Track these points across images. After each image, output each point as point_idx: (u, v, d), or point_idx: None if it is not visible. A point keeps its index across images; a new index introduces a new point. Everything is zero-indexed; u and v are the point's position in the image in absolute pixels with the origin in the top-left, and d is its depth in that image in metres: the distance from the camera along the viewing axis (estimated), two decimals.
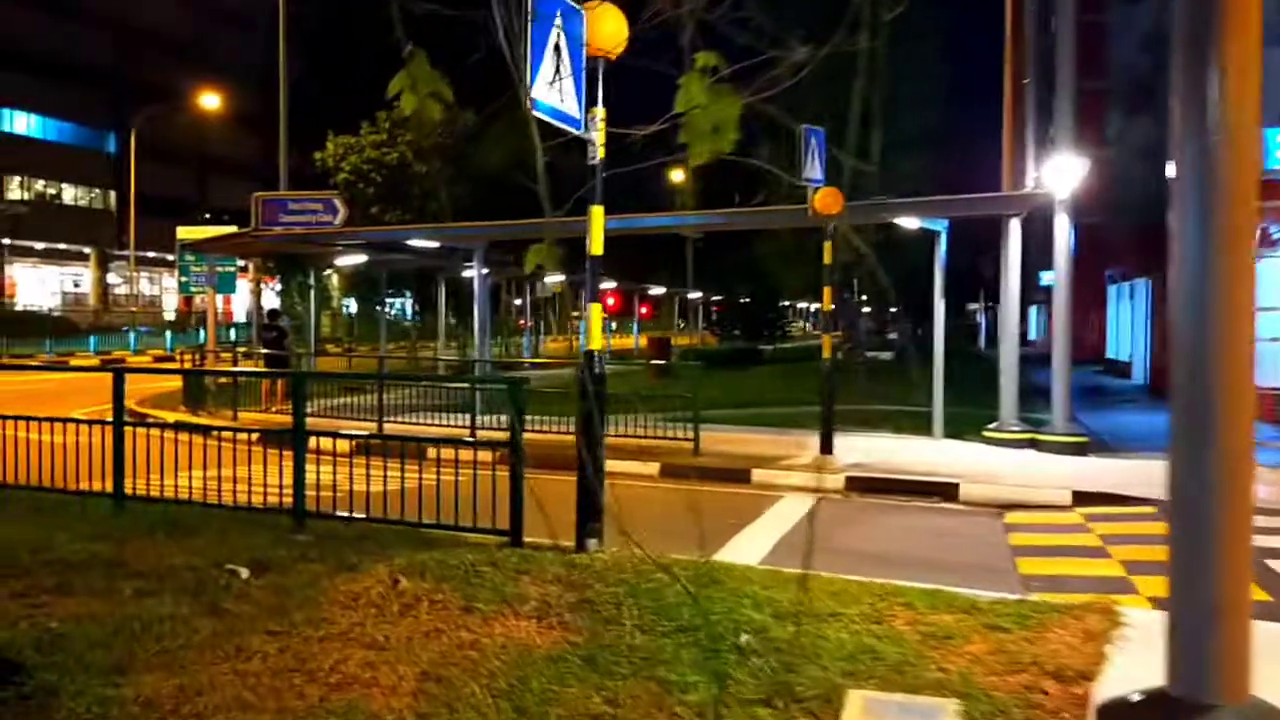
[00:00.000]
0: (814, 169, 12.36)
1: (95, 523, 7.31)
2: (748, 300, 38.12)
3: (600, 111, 6.34)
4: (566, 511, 6.64)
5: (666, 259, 50.33)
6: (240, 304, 59.13)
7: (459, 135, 28.29)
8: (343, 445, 8.54)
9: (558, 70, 5.81)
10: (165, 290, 68.62)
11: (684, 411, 13.94)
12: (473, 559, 5.99)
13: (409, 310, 45.95)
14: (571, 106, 6.05)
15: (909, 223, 14.29)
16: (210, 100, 50.06)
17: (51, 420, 8.60)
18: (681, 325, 59.63)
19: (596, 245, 6.68)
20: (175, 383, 19.35)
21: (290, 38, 23.86)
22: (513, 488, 6.58)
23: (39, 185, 60.66)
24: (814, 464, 12.22)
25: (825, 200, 11.92)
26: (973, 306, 72.27)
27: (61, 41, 57.34)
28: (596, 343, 6.67)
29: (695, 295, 50.47)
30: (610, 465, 12.05)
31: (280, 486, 8.46)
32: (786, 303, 44.73)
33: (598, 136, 6.35)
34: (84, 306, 61.32)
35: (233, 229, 50.84)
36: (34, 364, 27.00)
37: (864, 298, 38.83)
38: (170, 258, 62.64)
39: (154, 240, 55.57)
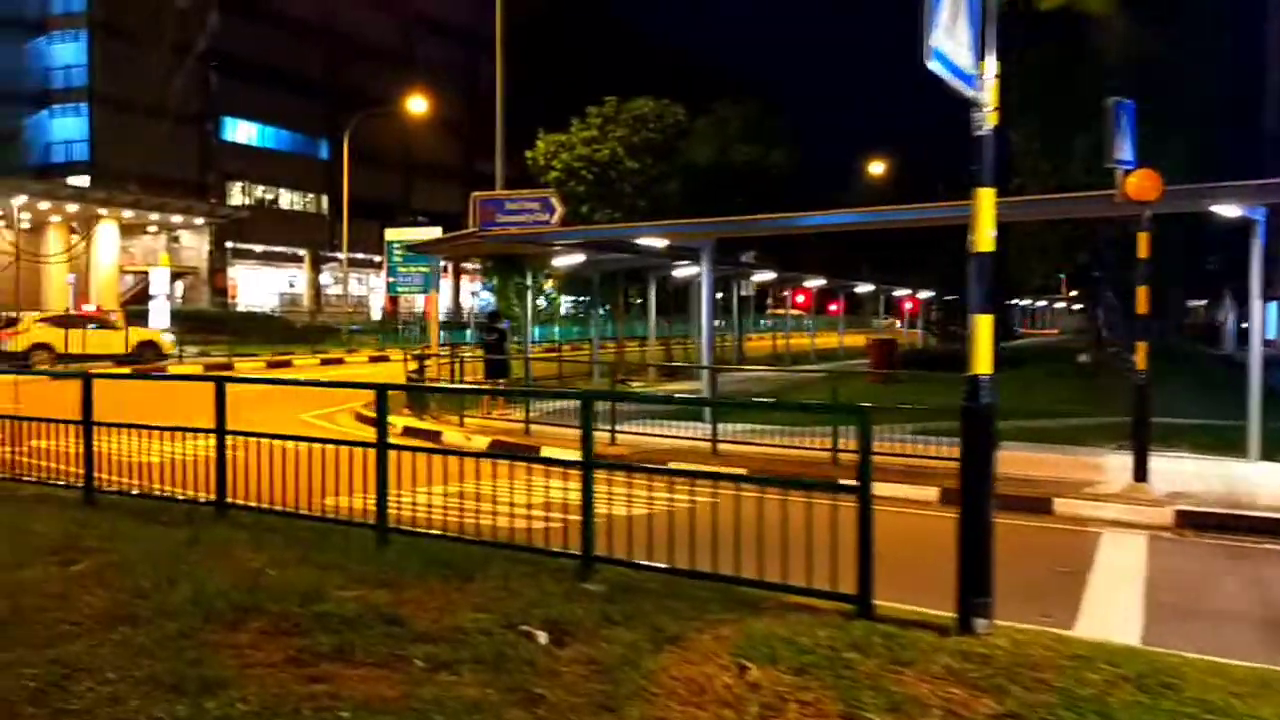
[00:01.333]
0: (1124, 149, 10.61)
1: (361, 561, 6.51)
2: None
3: (992, 65, 4.95)
4: (901, 556, 5.31)
5: (871, 253, 48.17)
6: (442, 304, 60.39)
7: (670, 131, 27.41)
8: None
9: (955, 11, 4.50)
10: (371, 290, 71.14)
11: (935, 423, 12.38)
12: (828, 638, 4.78)
13: (602, 309, 45.66)
14: (965, 59, 4.71)
15: (1228, 210, 12.26)
16: (417, 105, 51.25)
17: (297, 439, 7.92)
18: (887, 323, 57.10)
19: (985, 239, 5.30)
20: (388, 380, 19.07)
21: (513, 37, 23.52)
22: (861, 539, 5.32)
23: (259, 191, 63.81)
24: (1127, 493, 10.47)
25: (1141, 185, 10.18)
26: (1195, 304, 66.48)
27: (280, 54, 60.07)
28: (984, 365, 5.31)
29: (902, 292, 48.05)
30: (877, 489, 10.77)
31: (528, 506, 7.53)
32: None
33: (988, 97, 4.98)
34: (299, 307, 64.14)
35: (437, 230, 51.92)
36: (288, 378, 27.77)
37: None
38: (377, 259, 65.27)
39: (362, 242, 57.41)
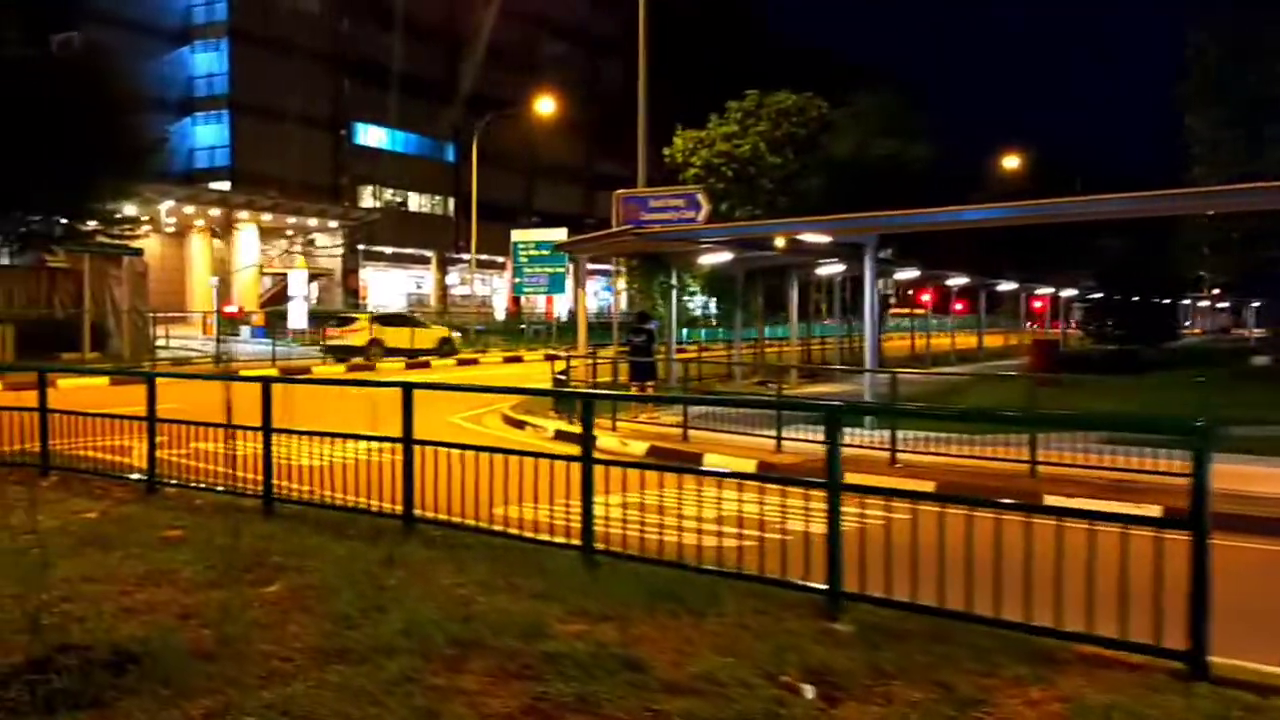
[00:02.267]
0: None
1: (573, 587, 5.91)
2: (1132, 296, 33.68)
3: None
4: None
5: (1011, 251, 46.25)
6: (562, 304, 60.56)
7: (812, 125, 26.46)
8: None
9: None
10: (494, 291, 71.81)
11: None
12: (1181, 711, 3.95)
13: (712, 307, 44.70)
14: None
15: None
16: (543, 107, 51.33)
17: (490, 450, 7.40)
18: (1032, 324, 54.77)
19: None
20: (529, 382, 18.74)
21: (630, 38, 22.99)
22: (1194, 585, 4.46)
23: (388, 194, 64.96)
24: None
25: None
26: None
27: (408, 59, 61.00)
28: None
29: (1045, 290, 45.96)
30: (1079, 502, 9.77)
31: (718, 521, 6.85)
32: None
33: None
34: (426, 307, 65.08)
35: (562, 232, 51.95)
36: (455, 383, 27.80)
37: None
38: (500, 259, 65.88)
39: (485, 243, 57.80)
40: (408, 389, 7.64)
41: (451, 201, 68.44)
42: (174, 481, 9.40)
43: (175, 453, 11.29)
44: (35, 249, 33.00)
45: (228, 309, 45.49)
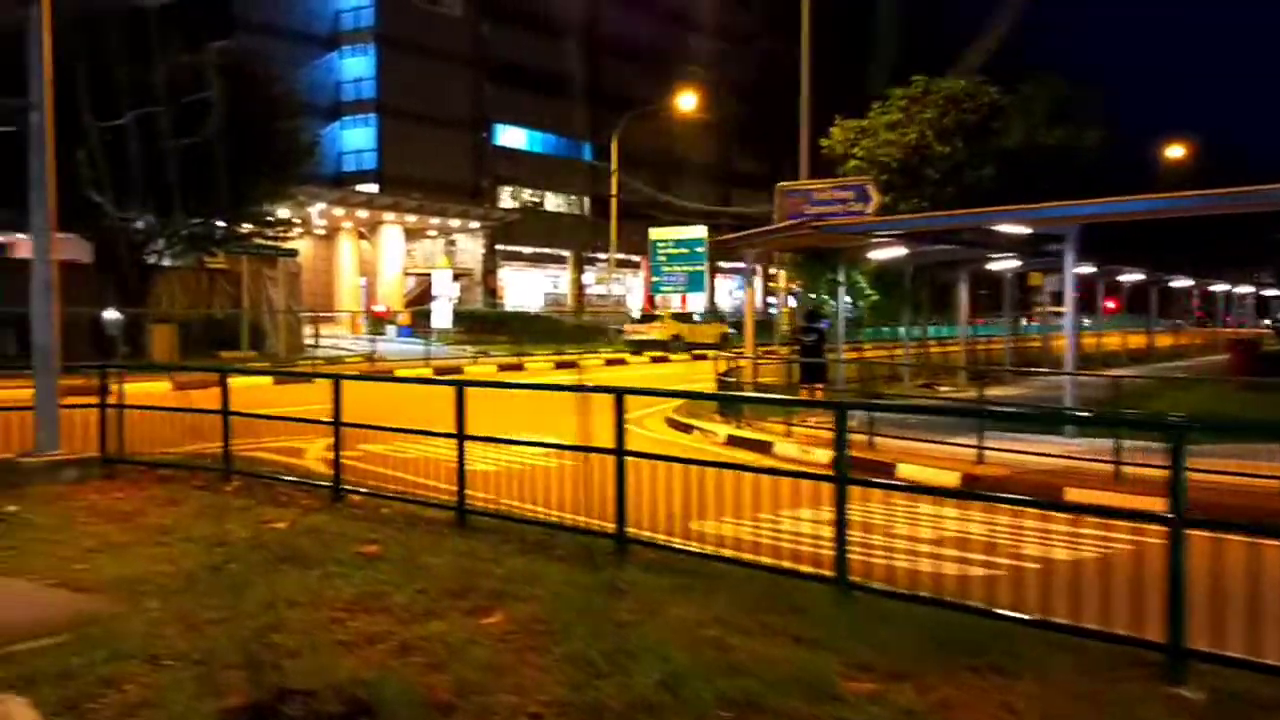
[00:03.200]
0: None
1: (838, 630, 5.07)
2: None
3: None
4: None
5: (1183, 248, 43.33)
6: (696, 303, 59.85)
7: (982, 112, 24.97)
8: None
9: None
10: (629, 290, 71.53)
11: None
12: None
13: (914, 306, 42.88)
14: None
15: None
16: (682, 103, 50.73)
17: (716, 466, 6.63)
18: (1200, 321, 51.43)
19: None
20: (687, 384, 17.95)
21: (770, 32, 21.99)
22: None
23: (525, 194, 65.35)
24: None
25: None
26: None
27: (546, 59, 61.17)
28: None
29: (1219, 287, 42.96)
30: None
31: (933, 540, 5.90)
32: None
33: None
34: (562, 306, 65.23)
35: (701, 230, 51.11)
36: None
37: None
38: (635, 259, 65.51)
39: (621, 242, 57.42)
40: (618, 395, 6.93)
41: (587, 201, 68.47)
42: (361, 489, 8.91)
43: (345, 454, 10.95)
44: (196, 251, 33.95)
45: (375, 308, 46.29)
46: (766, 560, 6.18)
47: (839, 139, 24.91)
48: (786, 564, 6.13)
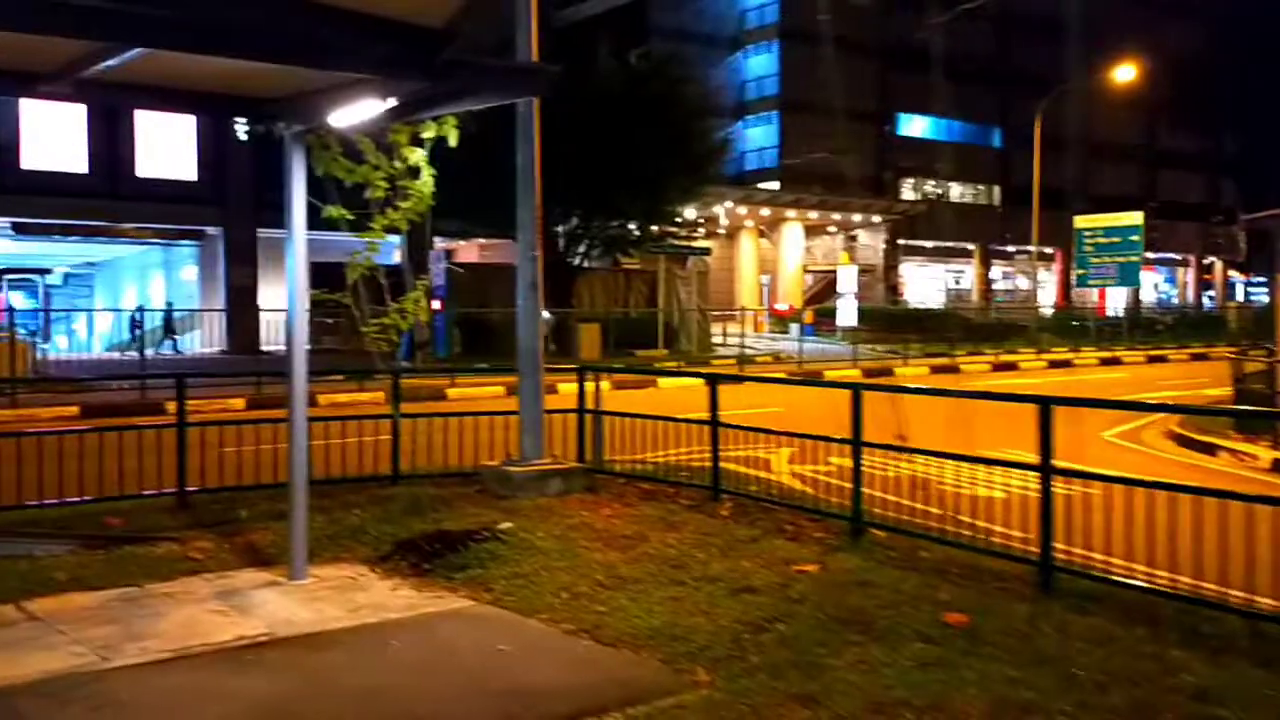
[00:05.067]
0: None
1: None
2: None
3: None
4: None
5: None
6: (1117, 297, 53.65)
7: None
8: None
9: None
10: (1040, 285, 66.00)
11: None
12: None
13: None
14: None
15: None
16: (1112, 77, 45.63)
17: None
18: None
19: None
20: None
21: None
22: None
23: (928, 185, 62.16)
24: None
25: None
26: None
27: (949, 42, 57.73)
28: None
29: None
30: None
31: None
32: None
33: None
34: (966, 302, 61.29)
35: (1134, 215, 45.49)
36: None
37: None
38: (1048, 250, 60.06)
39: (1031, 232, 52.70)
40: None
41: (997, 190, 63.99)
42: (884, 524, 7.39)
43: (815, 469, 9.58)
44: (614, 252, 34.84)
45: (777, 307, 45.60)
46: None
47: None
48: None
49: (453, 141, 6.51)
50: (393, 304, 7.06)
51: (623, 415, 9.67)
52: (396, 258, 37.96)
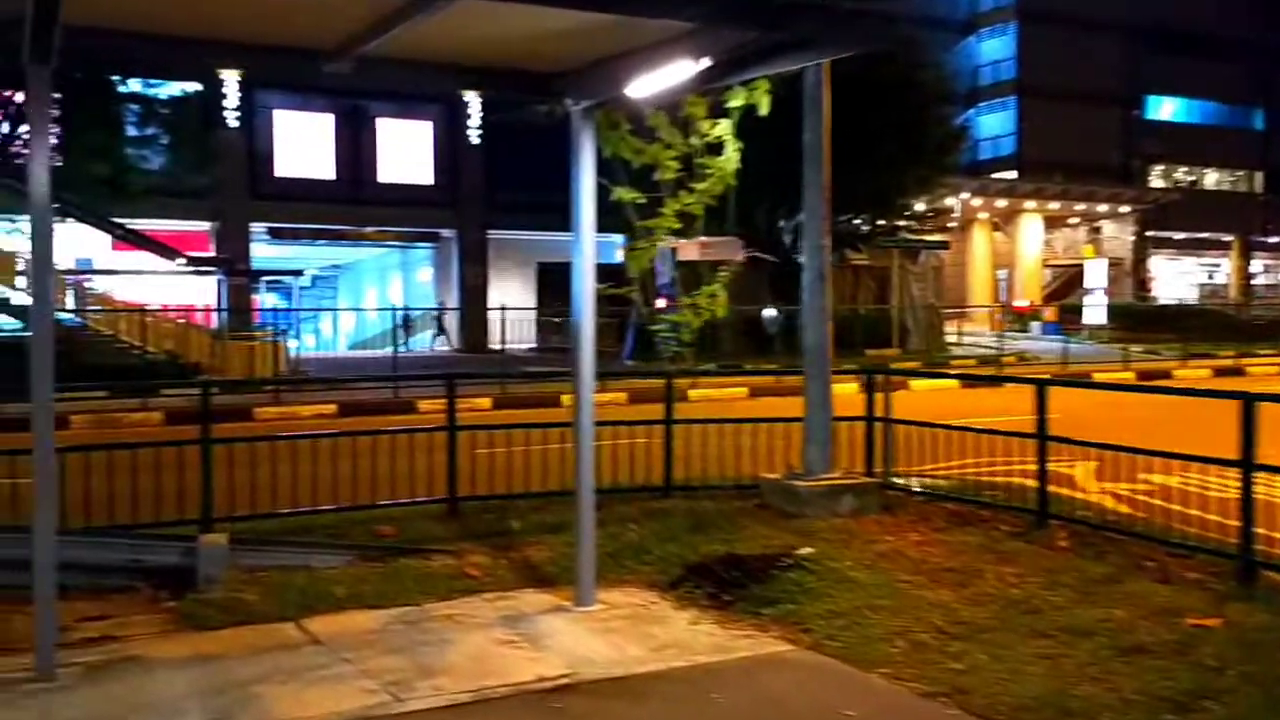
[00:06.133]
0: None
1: None
2: None
3: None
4: None
5: None
6: None
7: None
8: None
9: None
10: None
11: None
12: None
13: None
14: None
15: None
16: None
17: None
18: None
19: None
20: None
21: None
22: None
23: (1178, 172, 57.25)
24: None
25: None
26: None
27: (1204, 18, 52.89)
28: None
29: None
30: None
31: None
32: None
33: None
34: (1223, 299, 55.99)
35: None
36: None
37: None
38: None
39: None
40: None
41: (1259, 176, 58.27)
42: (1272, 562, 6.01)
43: (1123, 487, 8.21)
44: (843, 247, 33.51)
45: (1017, 304, 42.82)
46: None
47: None
48: None
49: (764, 109, 5.64)
50: (685, 298, 6.26)
51: (924, 425, 8.52)
52: (620, 256, 38.08)
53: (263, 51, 5.78)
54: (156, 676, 4.95)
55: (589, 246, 5.97)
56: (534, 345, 29.04)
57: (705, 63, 5.09)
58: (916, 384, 18.92)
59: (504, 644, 5.38)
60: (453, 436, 7.89)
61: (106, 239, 25.62)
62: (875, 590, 5.97)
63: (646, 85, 5.47)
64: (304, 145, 31.48)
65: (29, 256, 18.11)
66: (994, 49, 50.63)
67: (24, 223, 22.43)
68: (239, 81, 29.12)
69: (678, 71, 5.23)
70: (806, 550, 6.61)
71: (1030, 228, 46.85)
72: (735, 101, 5.67)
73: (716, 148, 5.95)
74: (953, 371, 21.45)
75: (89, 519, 6.80)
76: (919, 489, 8.37)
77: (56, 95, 22.35)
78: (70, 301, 21.54)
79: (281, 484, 7.63)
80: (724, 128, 5.79)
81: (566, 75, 5.84)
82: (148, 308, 22.09)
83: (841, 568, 6.33)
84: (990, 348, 32.14)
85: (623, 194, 6.03)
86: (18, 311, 19.97)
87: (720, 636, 5.49)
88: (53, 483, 4.97)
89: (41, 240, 4.95)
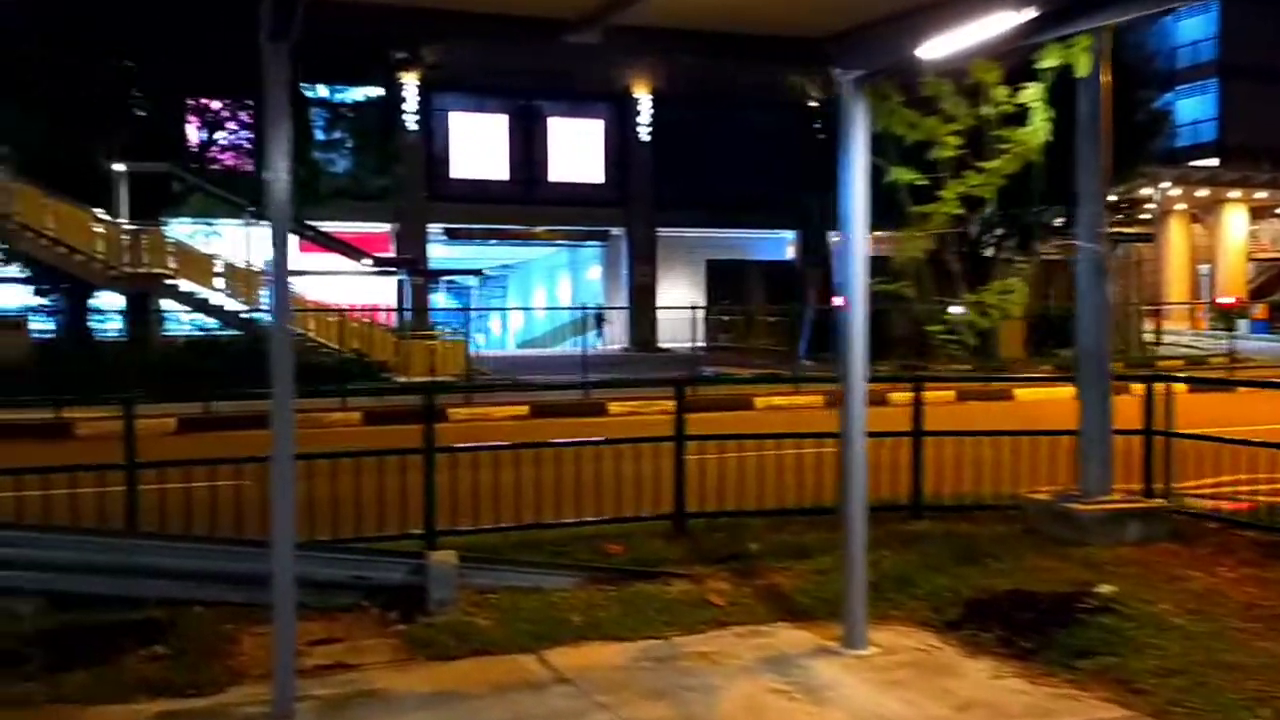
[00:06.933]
0: None
1: None
2: None
3: None
4: None
5: None
6: None
7: None
8: None
9: None
10: None
11: None
12: None
13: None
14: None
15: None
16: None
17: None
18: None
19: None
20: None
21: None
22: None
23: None
24: None
25: None
26: None
27: None
28: None
29: None
30: None
31: None
32: None
33: None
34: None
35: None
36: None
37: None
38: None
39: None
40: None
41: None
42: None
43: None
44: (1031, 240, 31.62)
45: (1221, 300, 39.72)
46: None
47: None
48: None
49: (1083, 70, 4.75)
50: (968, 295, 5.42)
51: (1211, 439, 7.39)
52: (790, 253, 37.08)
53: (501, 21, 5.26)
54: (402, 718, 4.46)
55: (860, 238, 5.20)
56: (703, 344, 28.41)
57: (1029, 13, 4.25)
58: (1021, 392, 17.57)
59: (776, 693, 4.68)
60: (680, 447, 7.24)
61: (294, 240, 26.28)
62: (1207, 641, 5.00)
63: (942, 45, 4.66)
64: (479, 146, 31.72)
65: (228, 260, 18.41)
66: (1192, 29, 47.19)
67: (220, 226, 23.33)
68: (418, 85, 29.54)
69: (990, 26, 4.41)
70: (1107, 588, 5.66)
71: (1234, 218, 43.50)
72: (1049, 61, 4.79)
73: (1015, 118, 5.09)
74: (1234, 378, 19.76)
75: (313, 531, 6.43)
76: (1214, 514, 7.24)
77: (248, 102, 22.99)
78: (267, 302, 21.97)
79: (504, 492, 7.12)
80: (1033, 92, 4.92)
81: (840, 39, 5.09)
82: (337, 308, 22.37)
83: (1157, 611, 5.37)
84: (1195, 348, 29.78)
85: (900, 175, 5.23)
86: (216, 311, 20.53)
87: (1031, 694, 4.63)
88: (291, 491, 4.54)
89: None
